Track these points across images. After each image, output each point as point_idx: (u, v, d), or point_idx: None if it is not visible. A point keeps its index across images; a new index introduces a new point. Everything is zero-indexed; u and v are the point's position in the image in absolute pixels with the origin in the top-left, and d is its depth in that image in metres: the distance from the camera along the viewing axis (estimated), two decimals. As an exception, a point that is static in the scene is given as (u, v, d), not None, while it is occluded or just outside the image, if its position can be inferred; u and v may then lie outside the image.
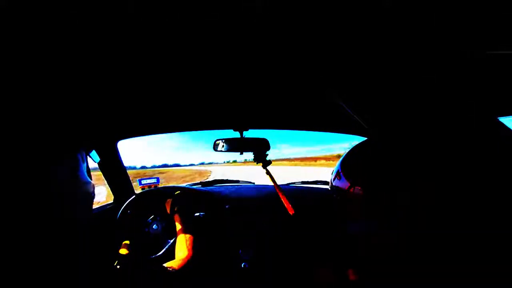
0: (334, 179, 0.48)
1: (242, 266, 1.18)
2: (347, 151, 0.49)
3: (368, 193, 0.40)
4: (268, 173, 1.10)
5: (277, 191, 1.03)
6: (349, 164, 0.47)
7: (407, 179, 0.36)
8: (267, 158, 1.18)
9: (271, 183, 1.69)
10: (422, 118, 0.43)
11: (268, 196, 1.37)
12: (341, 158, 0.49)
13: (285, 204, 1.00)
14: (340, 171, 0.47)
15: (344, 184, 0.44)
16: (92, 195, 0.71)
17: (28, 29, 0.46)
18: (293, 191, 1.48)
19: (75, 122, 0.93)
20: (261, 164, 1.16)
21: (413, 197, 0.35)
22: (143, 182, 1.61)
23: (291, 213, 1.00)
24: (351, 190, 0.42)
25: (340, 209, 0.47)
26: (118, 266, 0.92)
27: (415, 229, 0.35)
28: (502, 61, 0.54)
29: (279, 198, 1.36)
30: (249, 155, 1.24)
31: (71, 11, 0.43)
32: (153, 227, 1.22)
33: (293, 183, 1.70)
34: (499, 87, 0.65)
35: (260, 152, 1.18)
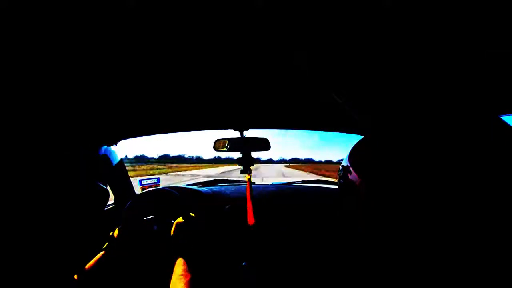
0: (342, 173, 0.48)
1: (243, 265, 1.17)
2: (353, 145, 0.50)
3: (376, 187, 0.40)
4: (249, 179, 1.18)
5: (248, 197, 1.11)
6: (357, 159, 0.47)
7: (411, 177, 0.36)
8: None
9: (271, 182, 1.70)
10: (424, 117, 0.43)
11: (269, 196, 1.37)
12: (348, 153, 0.49)
13: (248, 213, 1.06)
14: (349, 165, 0.47)
15: (353, 178, 0.45)
16: (96, 200, 0.72)
17: (32, 29, 0.46)
18: (293, 191, 1.48)
19: (80, 124, 0.93)
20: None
21: (417, 193, 0.35)
22: (144, 182, 1.61)
23: (249, 224, 1.06)
24: (361, 184, 0.43)
25: (348, 202, 0.47)
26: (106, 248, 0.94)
27: (419, 225, 0.35)
28: (504, 59, 0.54)
29: (280, 198, 1.36)
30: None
31: (73, 12, 0.43)
32: (154, 228, 1.22)
33: (294, 182, 1.70)
34: (501, 85, 0.64)
35: (247, 160, 1.20)
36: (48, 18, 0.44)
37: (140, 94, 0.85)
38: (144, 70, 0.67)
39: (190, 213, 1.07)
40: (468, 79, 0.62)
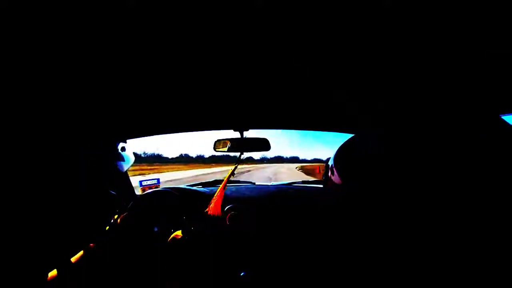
0: (328, 174, 0.48)
1: (241, 275, 1.09)
2: (340, 145, 0.49)
3: (359, 191, 0.40)
4: (232, 173, 1.25)
5: (220, 190, 1.16)
6: (342, 161, 0.46)
7: (406, 178, 0.36)
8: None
9: (271, 183, 1.69)
10: (425, 117, 0.43)
11: (269, 196, 1.37)
12: (334, 153, 0.49)
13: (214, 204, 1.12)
14: (333, 166, 0.46)
15: (336, 179, 0.44)
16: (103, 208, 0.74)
17: (33, 30, 0.46)
18: (295, 191, 1.48)
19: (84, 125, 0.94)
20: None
21: (411, 196, 0.35)
22: (144, 183, 1.61)
23: (209, 213, 1.13)
24: (343, 186, 0.43)
25: (332, 202, 0.47)
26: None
27: (410, 227, 0.35)
28: (504, 59, 0.54)
29: (280, 199, 1.36)
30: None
31: (75, 13, 0.43)
32: (154, 229, 1.21)
33: (294, 182, 1.70)
34: (501, 85, 0.64)
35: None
36: (50, 18, 0.44)
37: (139, 95, 0.85)
38: (143, 71, 0.67)
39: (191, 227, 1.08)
40: (468, 79, 0.62)
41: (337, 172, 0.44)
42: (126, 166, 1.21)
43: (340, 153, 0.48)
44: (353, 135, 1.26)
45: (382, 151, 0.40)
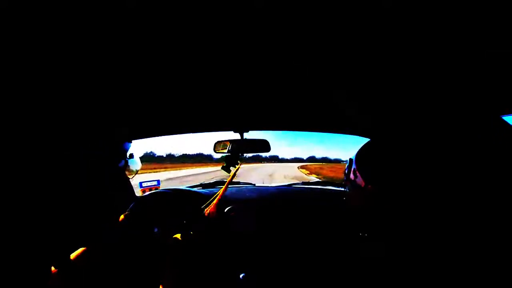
0: (350, 175, 0.49)
1: (241, 277, 1.08)
2: (361, 147, 0.50)
3: (382, 192, 0.40)
4: (234, 174, 1.22)
5: (222, 190, 1.13)
6: (364, 162, 0.47)
7: (419, 179, 0.36)
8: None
9: (272, 184, 1.69)
10: (427, 118, 0.44)
11: (269, 198, 1.37)
12: (355, 154, 0.50)
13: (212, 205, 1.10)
14: (355, 168, 0.47)
15: (360, 181, 0.45)
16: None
17: (35, 31, 0.46)
18: (295, 193, 1.47)
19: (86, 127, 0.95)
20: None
21: (424, 196, 0.35)
22: (144, 184, 1.61)
23: (208, 213, 1.11)
24: (368, 187, 0.43)
25: (354, 203, 0.47)
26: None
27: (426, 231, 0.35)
28: (504, 59, 0.54)
29: (280, 200, 1.36)
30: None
31: (77, 13, 0.43)
32: (154, 230, 1.21)
33: (295, 184, 1.69)
34: (501, 85, 0.64)
35: (233, 160, 1.25)
36: (53, 18, 0.44)
37: (140, 96, 0.85)
38: (144, 72, 0.68)
39: (190, 232, 1.07)
40: (468, 79, 0.62)
41: (360, 174, 0.45)
42: (134, 169, 1.23)
43: (363, 156, 0.48)
44: (356, 136, 1.27)
45: (404, 153, 0.40)
